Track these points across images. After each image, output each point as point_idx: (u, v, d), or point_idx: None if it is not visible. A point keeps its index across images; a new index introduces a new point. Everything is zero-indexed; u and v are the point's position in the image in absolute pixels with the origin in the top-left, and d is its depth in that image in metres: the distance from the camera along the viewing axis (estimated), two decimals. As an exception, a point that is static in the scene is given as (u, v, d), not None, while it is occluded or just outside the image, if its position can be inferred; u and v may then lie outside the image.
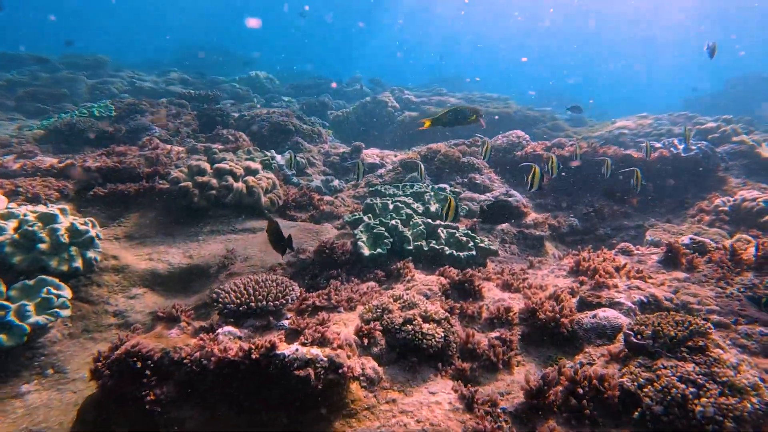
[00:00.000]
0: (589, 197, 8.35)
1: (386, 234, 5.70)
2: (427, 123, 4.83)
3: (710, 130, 9.69)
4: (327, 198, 7.79)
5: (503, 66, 60.74)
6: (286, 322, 4.11)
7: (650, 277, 4.86)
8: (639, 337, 3.46)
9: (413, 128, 13.63)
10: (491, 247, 5.80)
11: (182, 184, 6.92)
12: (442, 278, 4.98)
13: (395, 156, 10.01)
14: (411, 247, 5.62)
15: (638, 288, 4.48)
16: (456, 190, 7.44)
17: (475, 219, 7.06)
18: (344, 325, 4.20)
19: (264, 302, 4.19)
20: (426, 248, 5.62)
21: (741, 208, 7.15)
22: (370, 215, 6.36)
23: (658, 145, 9.13)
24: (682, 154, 8.43)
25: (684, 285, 4.54)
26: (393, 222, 5.87)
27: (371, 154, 10.40)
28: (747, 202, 7.11)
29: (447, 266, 5.14)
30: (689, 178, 8.61)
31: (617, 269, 4.88)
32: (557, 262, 5.59)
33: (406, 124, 13.68)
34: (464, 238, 5.75)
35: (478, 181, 7.87)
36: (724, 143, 9.47)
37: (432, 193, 7.26)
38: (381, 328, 3.93)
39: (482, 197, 7.55)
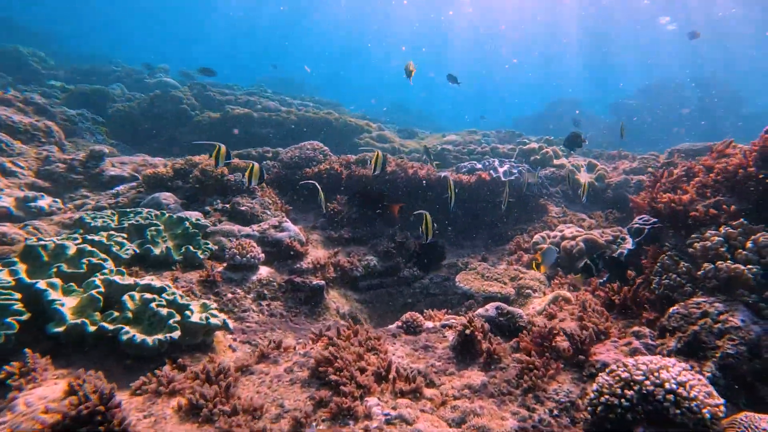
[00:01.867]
0: (393, 228, 6.66)
1: (18, 306, 3.25)
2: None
3: (533, 151, 8.75)
4: None
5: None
6: None
7: (432, 384, 3.10)
8: None
9: (212, 131, 11.11)
10: (212, 320, 3.62)
11: None
12: (71, 398, 2.69)
13: (164, 167, 7.45)
14: (61, 329, 3.22)
15: (403, 420, 2.64)
16: (203, 222, 5.18)
17: (224, 264, 4.88)
18: None
19: None
20: (92, 328, 3.26)
21: (561, 247, 5.93)
22: (18, 266, 3.81)
23: (479, 165, 7.83)
24: (502, 178, 7.16)
25: (475, 407, 2.80)
26: (41, 284, 3.43)
27: (130, 162, 7.71)
28: (567, 240, 5.91)
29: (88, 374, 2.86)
30: (510, 205, 7.38)
31: (381, 376, 3.01)
32: (306, 348, 3.60)
33: (203, 126, 11.08)
34: (165, 310, 3.49)
35: (243, 208, 5.69)
36: (546, 166, 8.54)
37: (163, 226, 4.91)
38: None
39: (245, 230, 5.40)
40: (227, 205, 5.73)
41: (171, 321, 3.40)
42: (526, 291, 5.60)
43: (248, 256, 4.86)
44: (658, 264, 3.62)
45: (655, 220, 4.40)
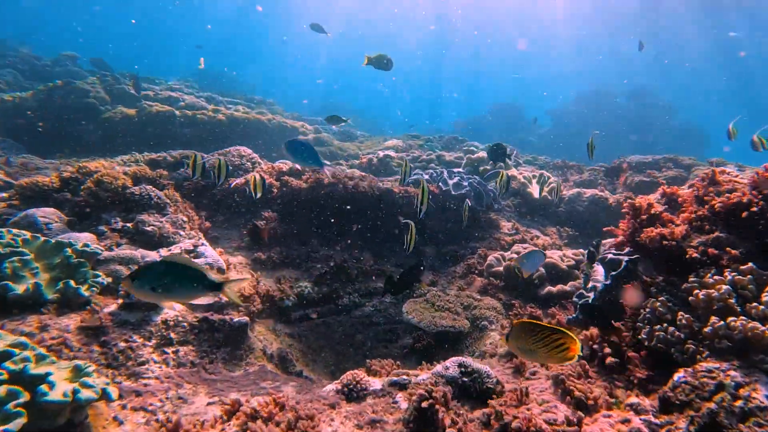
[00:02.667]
0: (327, 248, 5.87)
1: None
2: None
3: (482, 160, 8.22)
4: None
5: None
6: None
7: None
8: None
9: (126, 130, 9.81)
10: (82, 394, 2.66)
11: None
12: None
13: (55, 174, 6.26)
14: None
15: None
16: (93, 248, 4.12)
17: (119, 301, 3.90)
18: None
19: None
20: None
21: (515, 271, 5.36)
22: None
23: (426, 177, 7.17)
24: (453, 192, 6.52)
25: None
26: None
27: (9, 165, 6.45)
28: (525, 264, 5.33)
29: None
30: (461, 221, 6.78)
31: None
32: (215, 430, 2.74)
33: (114, 124, 9.76)
34: (4, 388, 2.50)
35: (150, 228, 4.68)
36: (497, 177, 8.02)
37: (33, 255, 3.85)
38: None
39: (151, 256, 4.40)
40: (129, 225, 4.70)
41: (12, 405, 2.43)
42: (482, 323, 4.99)
43: (150, 292, 3.90)
44: (648, 310, 3.04)
45: (630, 250, 3.86)
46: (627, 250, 3.91)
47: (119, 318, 3.77)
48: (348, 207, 6.18)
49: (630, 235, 3.43)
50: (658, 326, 2.90)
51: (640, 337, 3.03)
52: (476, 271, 5.88)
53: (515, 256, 5.54)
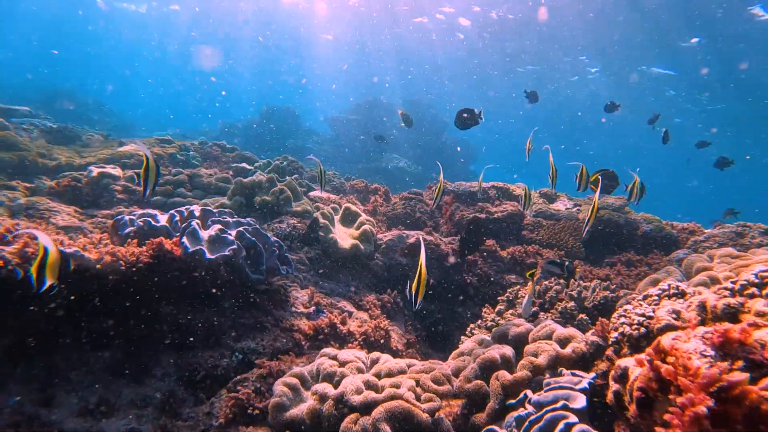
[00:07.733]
0: None
1: None
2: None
3: (260, 186, 5.34)
4: None
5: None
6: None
7: None
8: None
9: None
10: None
11: None
12: None
13: None
14: None
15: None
16: None
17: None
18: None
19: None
20: None
21: (342, 430, 2.79)
22: None
23: (162, 220, 4.10)
24: (208, 255, 3.60)
25: None
26: None
27: None
28: (353, 417, 2.80)
29: None
30: (219, 298, 3.92)
31: None
32: None
33: None
34: None
35: None
36: (282, 212, 5.29)
37: None
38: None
39: None
40: None
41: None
42: None
43: None
44: None
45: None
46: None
47: None
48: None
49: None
50: None
51: None
52: (253, 413, 3.11)
53: (330, 392, 2.93)
